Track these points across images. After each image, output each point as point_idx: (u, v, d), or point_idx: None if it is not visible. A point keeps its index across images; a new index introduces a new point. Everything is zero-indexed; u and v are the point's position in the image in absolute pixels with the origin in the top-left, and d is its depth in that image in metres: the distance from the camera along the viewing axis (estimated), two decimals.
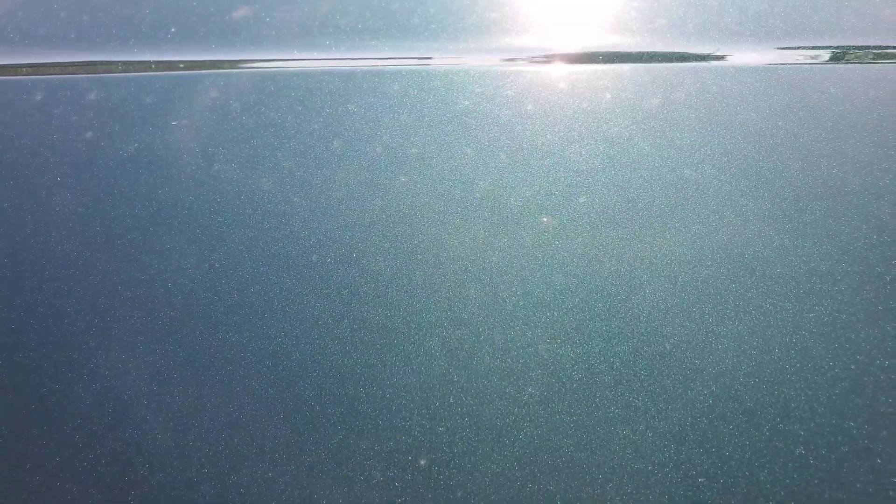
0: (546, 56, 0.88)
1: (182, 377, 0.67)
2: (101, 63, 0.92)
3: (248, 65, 0.91)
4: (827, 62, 0.88)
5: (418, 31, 0.89)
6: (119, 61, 0.92)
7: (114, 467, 0.64)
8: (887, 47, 0.89)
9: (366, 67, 0.88)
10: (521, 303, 0.69)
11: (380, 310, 0.69)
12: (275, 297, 0.70)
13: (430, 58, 0.88)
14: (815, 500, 0.59)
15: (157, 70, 0.92)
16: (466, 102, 0.83)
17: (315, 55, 0.90)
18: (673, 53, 0.87)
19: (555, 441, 0.62)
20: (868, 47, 0.89)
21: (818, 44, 0.89)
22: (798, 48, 0.89)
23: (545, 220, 0.74)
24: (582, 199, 0.75)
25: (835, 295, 0.66)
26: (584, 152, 0.79)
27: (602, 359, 0.65)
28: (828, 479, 0.59)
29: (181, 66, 0.92)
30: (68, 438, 0.66)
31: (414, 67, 0.87)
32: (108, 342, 0.70)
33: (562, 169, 0.78)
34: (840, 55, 0.89)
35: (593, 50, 0.87)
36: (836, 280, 0.67)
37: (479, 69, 0.86)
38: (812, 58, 0.88)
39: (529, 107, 0.83)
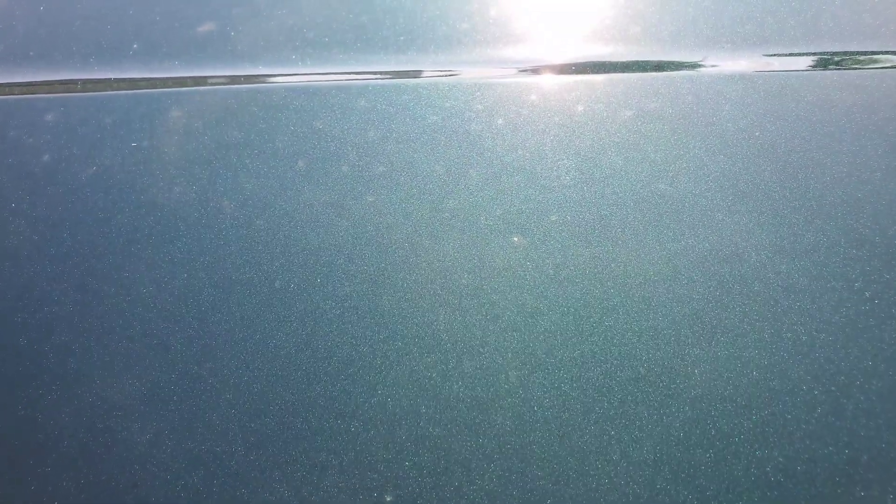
0: (522, 68, 0.86)
1: (143, 406, 0.65)
2: (60, 82, 0.89)
3: (213, 82, 0.88)
4: (815, 69, 0.86)
5: (387, 44, 0.87)
6: (78, 79, 0.89)
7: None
8: (876, 53, 0.87)
9: (331, 83, 0.85)
10: (491, 327, 0.66)
11: (344, 337, 0.66)
12: (235, 324, 0.68)
13: (396, 72, 0.85)
14: None
15: (118, 88, 0.89)
16: (435, 118, 0.81)
17: (281, 70, 0.88)
18: (661, 62, 0.85)
19: (526, 473, 0.60)
20: (856, 53, 0.87)
21: (806, 50, 0.87)
22: (785, 55, 0.87)
23: (516, 239, 0.72)
24: (554, 218, 0.73)
25: (813, 313, 0.64)
26: (557, 168, 0.77)
27: (575, 385, 0.63)
28: None
29: (143, 83, 0.89)
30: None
31: (380, 82, 0.85)
32: (66, 364, 0.67)
33: (533, 186, 0.75)
34: (828, 61, 0.87)
35: (574, 61, 0.85)
36: (815, 297, 0.65)
37: (448, 83, 0.84)
38: (800, 65, 0.86)
39: (500, 121, 0.80)
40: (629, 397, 0.62)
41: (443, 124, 0.80)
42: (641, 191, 0.74)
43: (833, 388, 0.61)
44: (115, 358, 0.68)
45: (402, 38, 0.88)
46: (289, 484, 0.61)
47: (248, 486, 0.61)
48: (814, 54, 0.87)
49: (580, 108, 0.81)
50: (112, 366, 0.67)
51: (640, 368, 0.63)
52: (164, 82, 0.88)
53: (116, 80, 0.89)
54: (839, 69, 0.87)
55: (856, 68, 0.87)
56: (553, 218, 0.73)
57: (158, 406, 0.65)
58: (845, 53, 0.88)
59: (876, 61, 0.88)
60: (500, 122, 0.80)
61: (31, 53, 0.92)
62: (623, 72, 0.85)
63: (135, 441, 0.64)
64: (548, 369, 0.64)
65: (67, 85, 0.89)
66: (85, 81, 0.89)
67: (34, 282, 0.74)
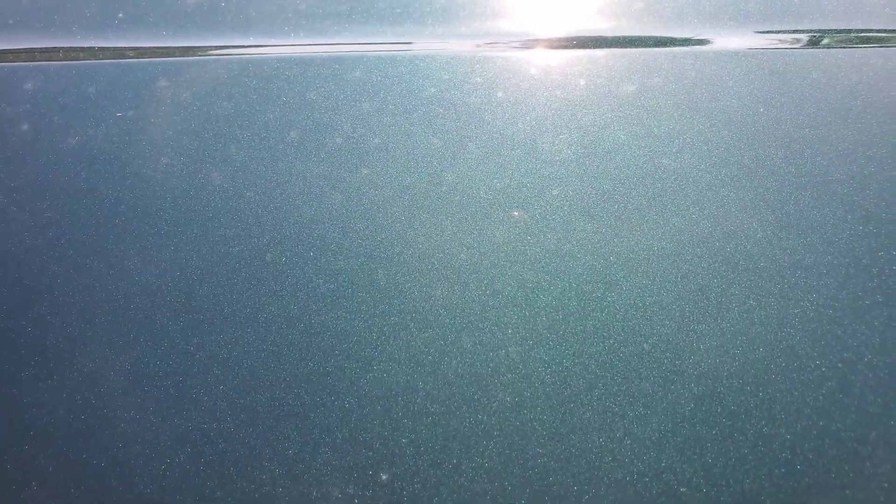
0: (519, 41, 0.83)
1: (131, 383, 0.62)
2: (41, 50, 0.86)
3: (202, 52, 0.85)
4: (807, 46, 0.85)
5: (382, 14, 0.84)
6: (60, 48, 0.85)
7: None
8: (867, 30, 0.86)
9: (325, 54, 0.82)
10: (490, 302, 0.64)
11: (339, 312, 0.64)
12: (225, 300, 0.65)
13: (392, 43, 0.82)
14: None
15: (102, 58, 0.85)
16: (432, 90, 0.78)
17: (273, 41, 0.85)
18: (652, 38, 0.83)
19: (527, 451, 0.58)
20: (848, 31, 0.86)
21: (798, 27, 0.86)
22: (778, 32, 0.85)
23: (516, 213, 0.70)
24: (555, 192, 0.71)
25: (820, 289, 0.62)
26: (557, 142, 0.75)
27: (577, 361, 0.61)
28: (815, 484, 0.56)
29: (130, 53, 0.86)
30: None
31: (375, 53, 0.82)
32: (49, 342, 0.64)
33: (534, 160, 0.73)
34: (820, 39, 0.86)
35: (569, 35, 0.83)
36: (821, 274, 0.63)
37: (446, 55, 0.81)
38: (792, 42, 0.85)
39: (500, 94, 0.78)
40: (632, 374, 0.60)
41: (440, 97, 0.78)
42: (644, 165, 0.72)
43: (840, 365, 0.59)
44: (101, 335, 0.65)
45: (397, 9, 0.85)
46: (282, 461, 0.58)
47: (240, 464, 0.59)
48: (818, 31, 0.86)
49: (582, 82, 0.79)
50: (98, 343, 0.64)
51: (644, 344, 0.61)
52: (152, 52, 0.85)
53: (100, 49, 0.85)
54: (843, 47, 0.86)
55: (859, 46, 0.86)
56: (554, 192, 0.71)
57: (147, 383, 0.62)
58: (849, 31, 0.87)
59: (879, 39, 0.86)
60: (499, 95, 0.78)
61: (11, 21, 0.88)
62: (625, 46, 0.83)
63: (123, 419, 0.61)
64: (549, 345, 0.62)
65: (49, 53, 0.85)
66: (67, 49, 0.85)
67: (14, 257, 0.71)
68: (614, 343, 0.62)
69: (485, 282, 0.66)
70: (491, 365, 0.61)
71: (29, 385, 0.63)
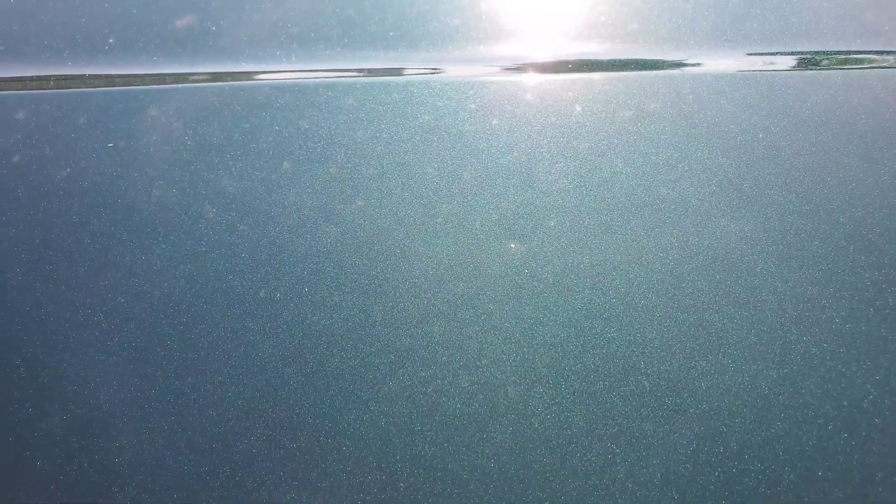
0: (513, 65, 0.82)
1: (117, 421, 0.61)
2: (32, 78, 0.85)
3: (194, 79, 0.84)
4: (800, 68, 0.84)
5: (376, 40, 0.83)
6: (51, 76, 0.84)
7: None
8: (861, 52, 0.85)
9: (318, 80, 0.81)
10: (487, 339, 0.63)
11: (333, 350, 0.63)
12: (217, 340, 0.64)
13: (386, 69, 0.81)
14: None
15: (93, 85, 0.84)
16: (426, 117, 0.77)
17: (265, 66, 0.84)
18: (659, 60, 0.82)
19: (526, 494, 0.57)
20: (841, 52, 0.85)
21: (791, 49, 0.85)
22: (771, 54, 0.84)
23: (513, 246, 0.69)
24: (552, 223, 0.70)
25: (823, 325, 0.61)
26: (554, 171, 0.74)
27: (577, 400, 0.60)
28: None
29: (119, 80, 0.85)
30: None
31: (369, 80, 0.81)
32: (38, 375, 0.63)
33: (530, 189, 0.72)
34: (812, 60, 0.85)
35: (562, 58, 0.82)
36: (824, 309, 0.62)
37: (440, 81, 0.80)
38: (784, 64, 0.84)
39: (495, 121, 0.77)
40: (633, 413, 0.59)
41: (435, 124, 0.77)
42: (643, 194, 0.71)
43: (845, 403, 0.58)
44: (89, 370, 0.64)
45: (391, 33, 0.84)
46: None
47: None
48: (811, 53, 0.85)
49: (578, 107, 0.78)
50: (86, 379, 0.63)
51: (645, 383, 0.60)
52: (143, 79, 0.84)
53: (91, 77, 0.84)
54: (843, 68, 0.85)
55: (854, 67, 0.85)
56: (551, 223, 0.70)
57: (135, 420, 0.61)
58: (847, 53, 0.85)
59: (874, 61, 0.85)
60: (494, 122, 0.77)
61: (1, 48, 0.87)
62: (620, 70, 0.82)
63: (104, 467, 0.60)
64: (548, 383, 0.61)
65: (39, 81, 0.84)
66: (58, 78, 0.84)
67: (4, 290, 0.69)
68: (614, 381, 0.60)
69: (482, 316, 0.64)
70: (489, 404, 0.60)
71: (25, 415, 0.62)
